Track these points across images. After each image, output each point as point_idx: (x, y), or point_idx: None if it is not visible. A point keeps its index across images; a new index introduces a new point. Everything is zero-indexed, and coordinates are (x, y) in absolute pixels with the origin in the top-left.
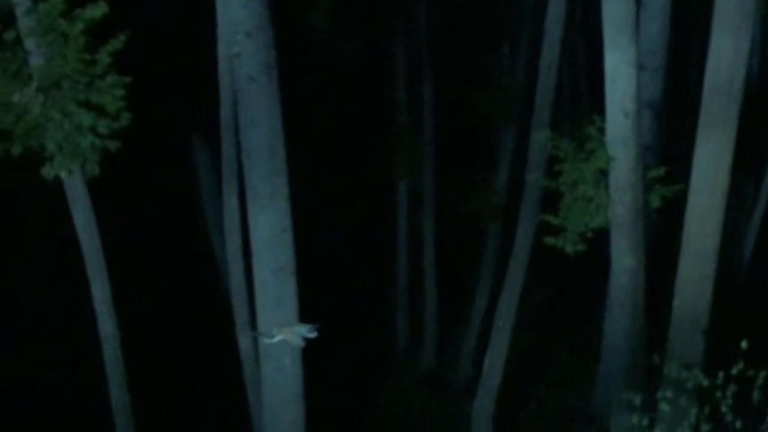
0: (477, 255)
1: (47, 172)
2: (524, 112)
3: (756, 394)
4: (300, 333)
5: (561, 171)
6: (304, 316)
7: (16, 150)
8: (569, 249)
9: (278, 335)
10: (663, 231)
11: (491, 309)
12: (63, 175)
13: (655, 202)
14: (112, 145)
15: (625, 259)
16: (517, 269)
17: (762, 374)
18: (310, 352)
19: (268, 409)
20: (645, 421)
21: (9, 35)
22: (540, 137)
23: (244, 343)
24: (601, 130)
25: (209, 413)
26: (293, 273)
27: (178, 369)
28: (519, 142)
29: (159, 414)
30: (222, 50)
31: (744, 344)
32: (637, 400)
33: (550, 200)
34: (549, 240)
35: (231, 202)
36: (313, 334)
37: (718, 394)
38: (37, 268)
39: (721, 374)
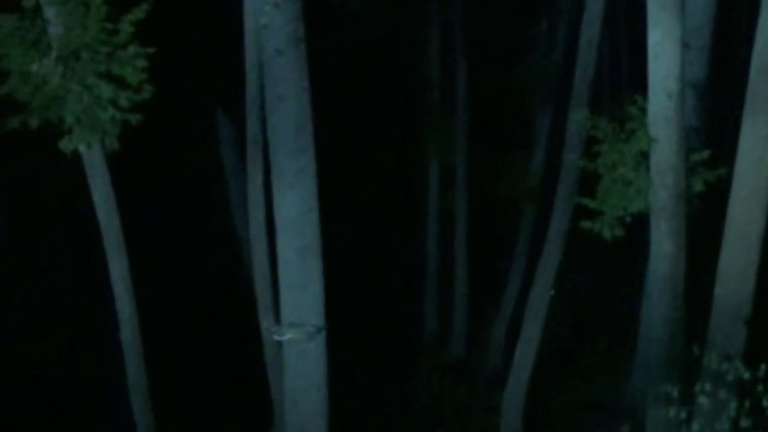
0: (510, 239)
1: (65, 145)
2: (562, 91)
3: None
4: (308, 332)
5: (600, 152)
6: (329, 300)
7: (34, 122)
8: (607, 234)
9: (288, 333)
10: (705, 217)
11: (523, 296)
12: (82, 148)
13: (698, 186)
14: (133, 119)
15: (665, 245)
16: (551, 254)
17: None
18: (334, 337)
19: (289, 395)
20: (682, 415)
21: (28, 3)
22: (578, 117)
23: (266, 324)
24: (643, 111)
25: (229, 399)
26: (319, 254)
27: (196, 352)
28: (556, 121)
29: (177, 398)
30: (249, 22)
31: None
32: (675, 393)
33: (588, 183)
34: (586, 224)
35: (255, 179)
36: (320, 334)
37: (760, 387)
38: (52, 247)
39: (763, 367)
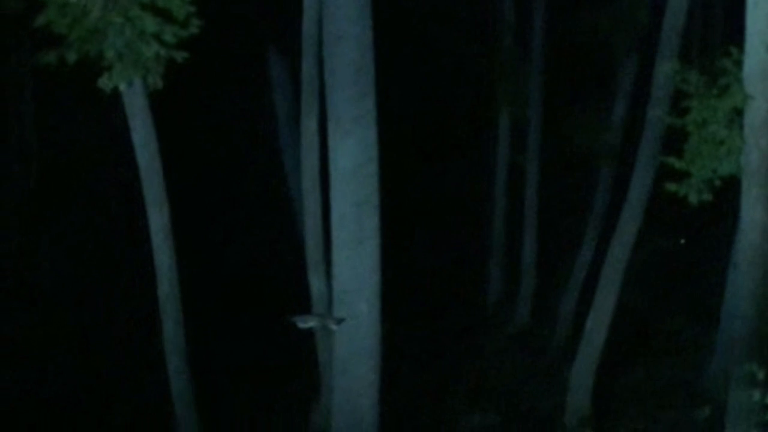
0: (585, 200)
1: (105, 83)
2: (649, 40)
3: None
4: (326, 324)
5: (688, 108)
6: (385, 260)
7: (72, 57)
8: (693, 198)
9: (310, 322)
10: None
11: (597, 262)
12: (122, 87)
13: None
14: (179, 56)
15: (756, 212)
16: (630, 218)
17: None
18: (391, 299)
19: (339, 360)
20: None
21: None
22: (666, 69)
23: (316, 284)
24: (738, 64)
25: (271, 364)
26: (376, 208)
27: (238, 312)
28: (641, 73)
29: (216, 361)
30: None
31: None
32: (760, 375)
33: (673, 141)
34: (670, 186)
35: (310, 125)
36: (336, 327)
37: None
38: (88, 195)
39: None
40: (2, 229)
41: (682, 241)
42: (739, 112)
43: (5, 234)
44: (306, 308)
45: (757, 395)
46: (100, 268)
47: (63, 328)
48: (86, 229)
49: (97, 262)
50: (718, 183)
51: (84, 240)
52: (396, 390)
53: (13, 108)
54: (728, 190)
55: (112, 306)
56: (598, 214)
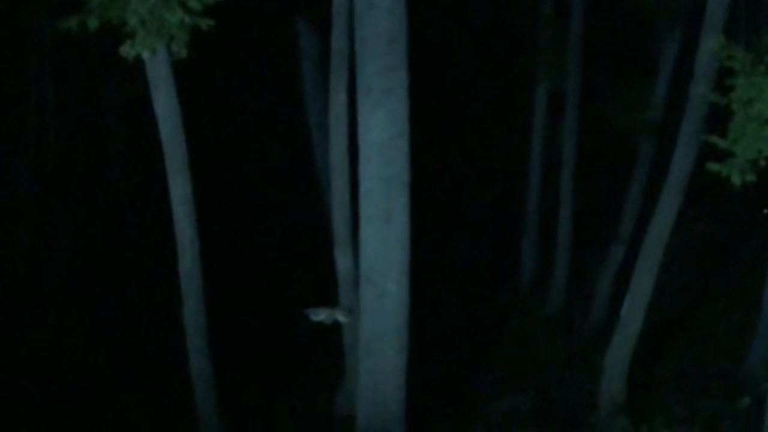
0: (624, 178)
1: (127, 51)
2: (693, 14)
3: None
4: (336, 316)
5: (733, 86)
6: (415, 238)
7: (93, 24)
8: (736, 179)
9: (321, 314)
10: None
11: (636, 242)
12: (145, 55)
13: None
14: (204, 24)
15: None
16: (671, 198)
17: None
18: (420, 279)
19: (364, 342)
20: None
21: None
22: (711, 44)
23: (342, 262)
24: None
25: (295, 344)
26: (406, 185)
27: (260, 291)
28: (684, 48)
29: (238, 341)
30: None
31: None
32: None
33: (717, 119)
34: (713, 166)
35: (338, 97)
36: (346, 319)
37: None
38: (109, 168)
39: None
40: (14, 223)
41: (765, 211)
42: None
43: (17, 229)
44: (332, 288)
45: None
46: (116, 258)
47: (79, 321)
48: (101, 217)
49: (112, 252)
50: (762, 163)
51: (97, 229)
52: (423, 372)
53: (33, 93)
54: None
55: (129, 299)
56: (636, 193)
